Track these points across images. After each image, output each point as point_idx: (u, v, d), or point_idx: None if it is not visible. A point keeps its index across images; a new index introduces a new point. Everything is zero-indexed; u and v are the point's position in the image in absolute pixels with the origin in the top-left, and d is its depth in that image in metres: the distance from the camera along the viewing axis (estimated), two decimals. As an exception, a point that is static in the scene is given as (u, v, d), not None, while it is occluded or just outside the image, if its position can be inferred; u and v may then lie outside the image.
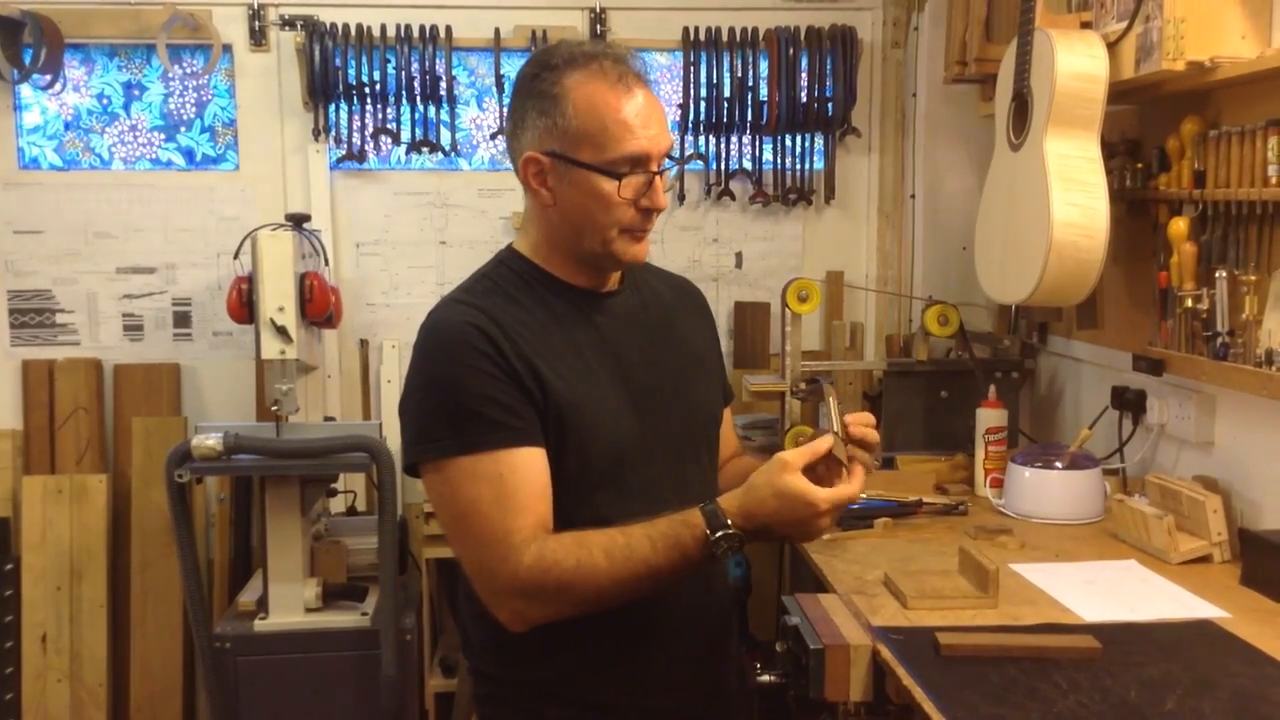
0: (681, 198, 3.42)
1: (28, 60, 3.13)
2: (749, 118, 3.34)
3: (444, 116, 3.29)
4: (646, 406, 1.51)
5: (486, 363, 1.40)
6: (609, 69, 1.44)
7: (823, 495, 1.36)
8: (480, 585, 1.42)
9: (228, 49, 3.27)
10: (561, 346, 1.47)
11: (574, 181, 1.44)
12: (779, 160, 3.40)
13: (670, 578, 1.37)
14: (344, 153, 3.28)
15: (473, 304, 1.46)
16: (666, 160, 1.48)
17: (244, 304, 2.83)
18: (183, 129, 3.35)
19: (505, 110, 3.24)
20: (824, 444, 1.39)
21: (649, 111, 1.44)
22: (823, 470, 1.40)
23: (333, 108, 3.26)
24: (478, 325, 1.42)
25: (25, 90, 3.26)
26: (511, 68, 3.32)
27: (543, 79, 1.45)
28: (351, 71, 3.20)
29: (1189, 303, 2.16)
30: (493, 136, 3.35)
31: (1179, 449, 2.38)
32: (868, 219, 3.50)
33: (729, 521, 1.35)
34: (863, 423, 1.45)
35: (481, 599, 1.43)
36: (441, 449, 1.40)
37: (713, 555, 1.35)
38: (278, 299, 2.76)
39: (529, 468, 1.40)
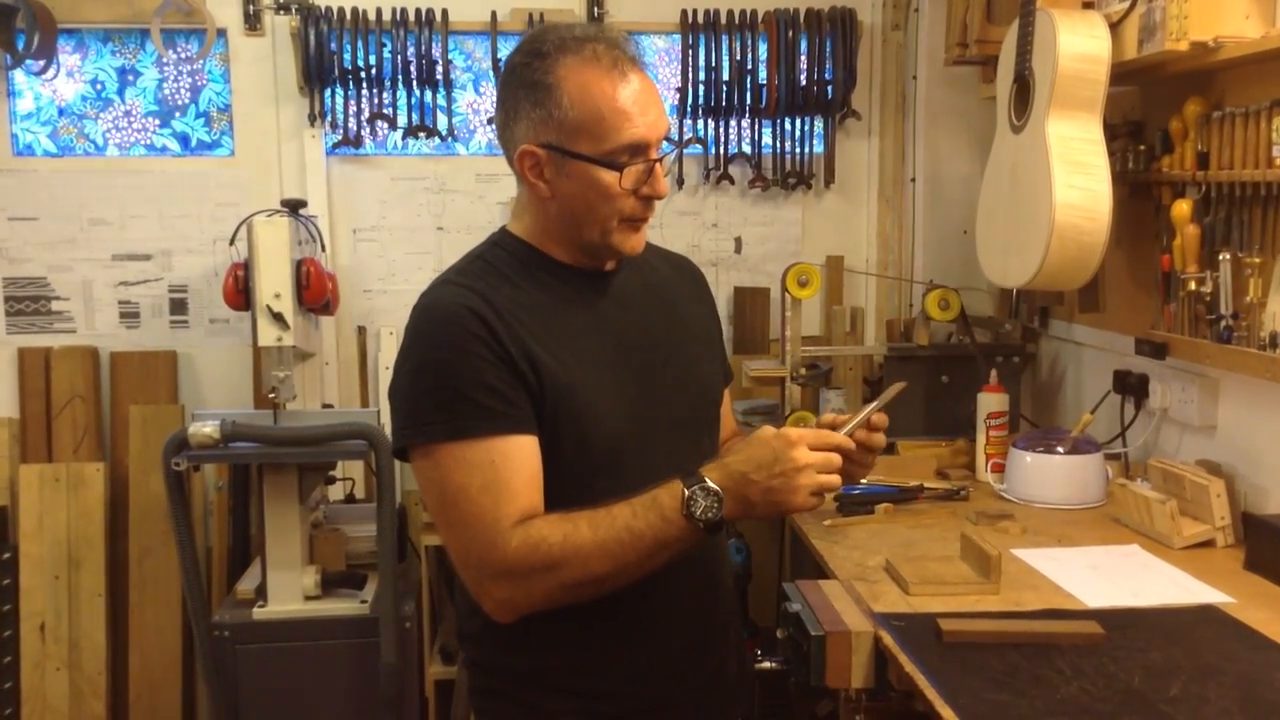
0: (680, 182, 3.39)
1: (21, 45, 3.10)
2: (748, 101, 3.31)
3: (440, 101, 3.27)
4: (646, 389, 1.48)
5: (480, 346, 1.36)
6: (603, 54, 1.39)
7: (797, 431, 1.33)
8: (467, 573, 1.39)
9: (222, 33, 3.24)
10: (559, 329, 1.43)
11: (572, 174, 1.40)
12: (778, 144, 3.38)
13: (655, 547, 1.32)
14: (340, 138, 3.26)
15: (467, 285, 1.42)
16: (665, 145, 1.44)
17: (240, 290, 2.82)
18: (177, 114, 3.32)
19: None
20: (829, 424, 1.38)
21: (646, 97, 1.40)
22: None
23: (328, 92, 3.23)
24: (472, 308, 1.38)
25: (18, 76, 3.24)
26: (508, 51, 3.28)
27: (534, 68, 1.40)
28: (347, 55, 3.18)
29: (1192, 286, 2.14)
30: (489, 121, 3.32)
31: (1182, 433, 2.36)
32: (868, 203, 3.48)
33: (705, 478, 1.33)
34: (881, 426, 1.46)
35: (469, 588, 1.41)
36: (431, 434, 1.37)
37: (690, 514, 1.31)
38: (274, 285, 2.75)
39: (520, 455, 1.36)
